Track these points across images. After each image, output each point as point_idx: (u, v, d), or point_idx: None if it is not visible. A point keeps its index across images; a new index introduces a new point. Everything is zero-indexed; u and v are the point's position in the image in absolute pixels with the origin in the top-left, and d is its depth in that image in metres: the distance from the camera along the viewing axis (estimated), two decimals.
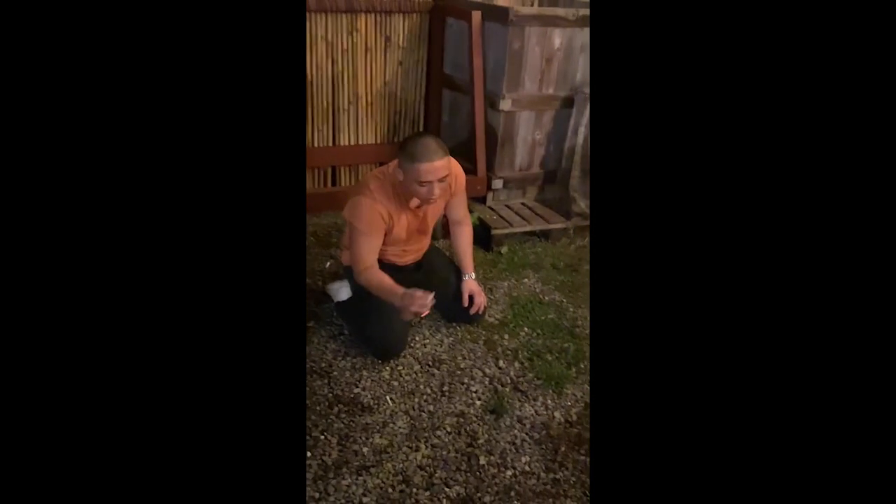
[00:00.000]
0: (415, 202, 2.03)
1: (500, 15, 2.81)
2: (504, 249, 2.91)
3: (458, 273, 2.30)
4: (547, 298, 2.56)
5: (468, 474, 1.68)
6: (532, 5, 3.60)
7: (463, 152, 3.14)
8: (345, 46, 3.14)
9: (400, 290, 1.94)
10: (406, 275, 2.24)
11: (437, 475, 1.66)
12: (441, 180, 1.91)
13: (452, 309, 2.29)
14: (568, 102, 3.03)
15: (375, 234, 2.01)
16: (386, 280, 2.01)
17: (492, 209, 3.09)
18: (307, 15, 2.98)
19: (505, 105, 2.93)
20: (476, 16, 2.86)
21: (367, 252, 2.03)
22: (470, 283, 2.25)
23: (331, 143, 3.31)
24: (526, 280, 2.69)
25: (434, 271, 2.30)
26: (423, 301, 1.88)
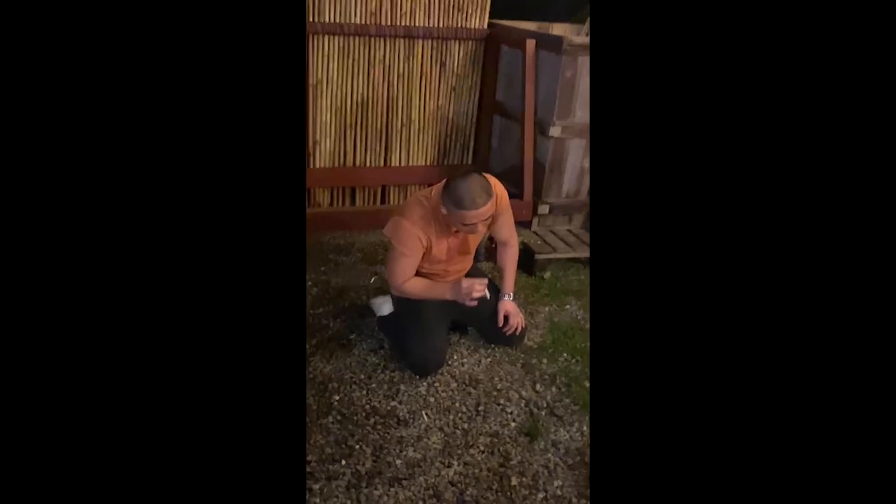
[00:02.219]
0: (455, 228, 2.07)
1: (554, 44, 2.86)
2: (547, 275, 2.91)
3: (498, 295, 2.31)
4: (588, 326, 2.54)
5: (499, 494, 1.67)
6: (585, 35, 3.64)
7: (511, 177, 3.18)
8: (401, 71, 3.24)
9: (446, 285, 1.99)
10: None
11: (468, 493, 1.67)
12: (484, 224, 1.95)
13: (492, 330, 2.30)
14: None
15: (412, 256, 2.05)
16: (427, 282, 2.06)
17: (537, 234, 3.11)
18: (366, 40, 3.10)
19: (555, 132, 2.96)
20: (530, 44, 2.92)
21: (403, 271, 2.06)
22: (507, 303, 2.25)
23: (382, 164, 3.40)
24: (568, 307, 2.68)
25: None
26: (480, 285, 1.92)
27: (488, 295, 1.99)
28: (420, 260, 2.07)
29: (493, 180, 2.07)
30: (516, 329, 2.25)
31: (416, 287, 2.08)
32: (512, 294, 2.28)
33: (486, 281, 1.96)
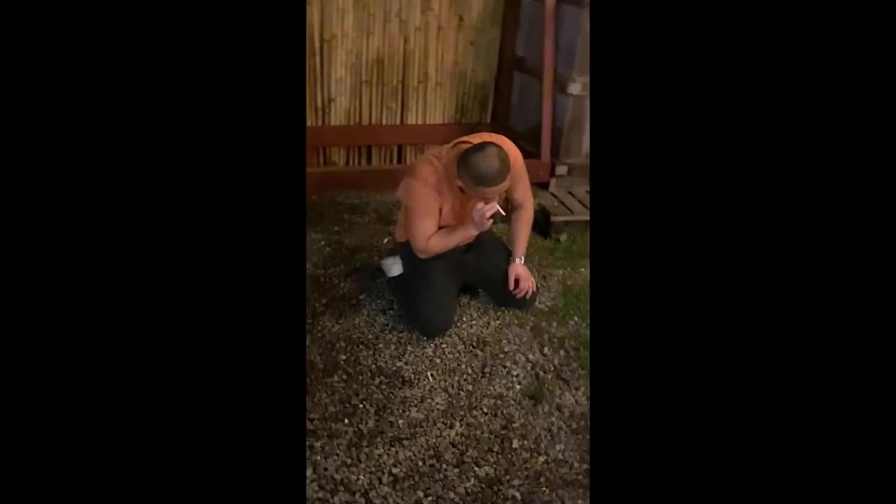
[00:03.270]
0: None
1: None
2: (563, 237, 2.86)
3: (510, 257, 2.28)
4: None
5: (499, 456, 1.68)
6: None
7: (531, 136, 3.10)
8: (418, 24, 3.15)
9: (467, 225, 2.01)
10: (456, 256, 2.24)
11: (468, 453, 1.67)
12: (500, 198, 1.96)
13: (502, 293, 2.28)
14: None
15: (430, 215, 2.04)
16: (447, 233, 2.06)
17: (554, 195, 3.04)
18: None
19: (575, 89, 2.86)
20: None
21: (425, 231, 2.05)
22: (517, 266, 2.22)
23: (398, 122, 3.35)
24: (582, 269, 2.64)
25: (485, 254, 2.29)
26: (491, 206, 1.91)
27: (502, 212, 1.98)
28: (438, 217, 2.05)
29: (508, 144, 2.02)
30: (526, 293, 2.22)
31: (440, 242, 2.06)
32: (523, 258, 2.25)
33: (495, 202, 1.94)
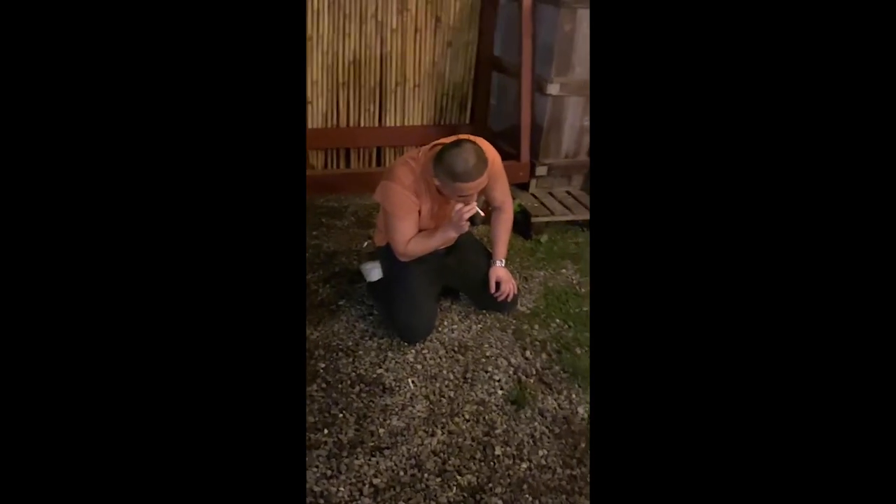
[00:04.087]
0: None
1: None
2: (544, 238, 2.85)
3: (490, 260, 2.26)
4: (583, 290, 2.49)
5: (482, 464, 1.65)
6: None
7: (510, 137, 3.08)
8: (394, 26, 3.12)
9: (446, 226, 1.99)
10: (436, 259, 2.22)
11: (449, 462, 1.65)
12: (478, 195, 1.92)
13: (483, 296, 2.26)
14: None
15: (409, 218, 2.01)
16: (426, 236, 2.03)
17: (534, 196, 3.03)
18: None
19: (553, 89, 2.85)
20: None
21: (404, 234, 2.02)
22: (498, 269, 2.20)
23: (377, 124, 3.31)
24: (564, 270, 2.63)
25: (465, 256, 2.27)
26: (470, 207, 1.89)
27: (481, 213, 1.94)
28: (416, 220, 2.03)
29: (485, 144, 2.00)
30: (508, 296, 2.20)
31: (419, 245, 2.04)
32: (504, 260, 2.23)
33: (473, 203, 1.91)
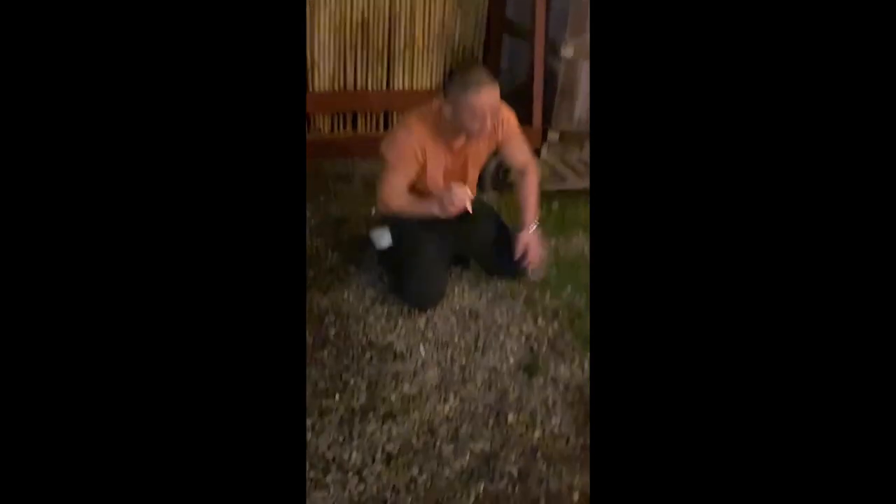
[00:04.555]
0: (459, 143, 1.95)
1: None
2: (555, 205, 2.80)
3: (502, 226, 2.22)
4: None
5: (495, 431, 1.64)
6: None
7: (521, 102, 3.01)
8: None
9: (431, 198, 1.89)
10: (447, 226, 2.18)
11: (462, 428, 1.64)
12: (493, 114, 1.84)
13: (494, 262, 2.23)
14: None
15: (405, 168, 1.92)
16: (413, 197, 1.95)
17: (546, 163, 2.97)
18: None
19: (567, 52, 2.77)
20: None
21: (390, 185, 1.94)
22: (527, 235, 2.09)
23: (384, 87, 3.23)
24: (575, 239, 2.59)
25: (476, 223, 2.21)
26: (461, 194, 1.82)
27: (470, 208, 1.86)
28: (413, 175, 1.94)
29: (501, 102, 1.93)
30: (532, 263, 2.10)
31: (400, 202, 1.96)
32: (535, 226, 2.12)
33: (466, 190, 1.84)
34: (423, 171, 1.95)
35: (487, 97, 1.79)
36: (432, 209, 1.89)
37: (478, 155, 2.08)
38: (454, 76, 1.83)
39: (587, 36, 2.77)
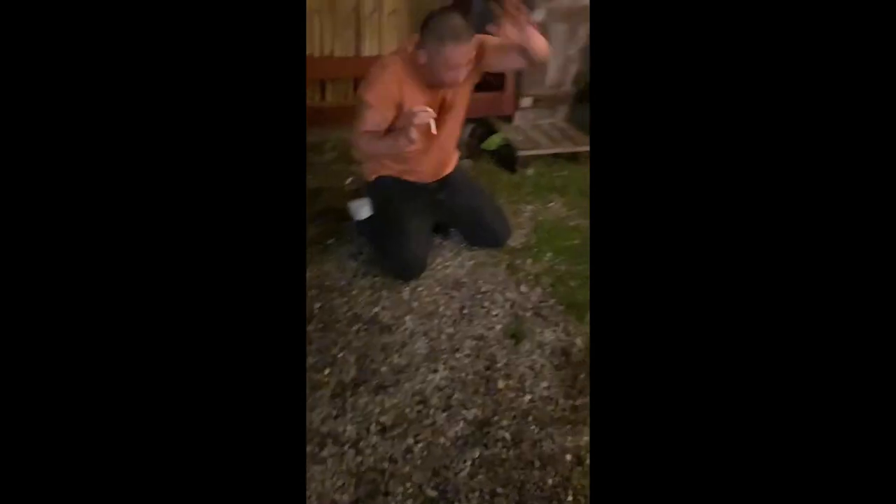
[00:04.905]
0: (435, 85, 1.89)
1: None
2: (530, 171, 2.81)
3: (482, 193, 2.23)
4: (573, 223, 2.48)
5: (486, 397, 1.67)
6: None
7: None
8: None
9: (399, 132, 1.79)
10: (427, 195, 2.17)
11: (454, 397, 1.66)
12: (468, 63, 1.80)
13: (475, 232, 2.23)
14: None
15: (378, 107, 1.85)
16: (379, 135, 1.88)
17: (519, 128, 2.96)
18: None
19: (538, 16, 2.74)
20: None
21: (364, 124, 1.87)
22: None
23: (353, 54, 3.15)
24: (551, 204, 2.61)
25: (456, 192, 2.22)
26: (423, 113, 1.73)
27: (434, 128, 1.77)
28: (390, 117, 1.87)
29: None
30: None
31: (367, 142, 1.89)
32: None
33: (426, 109, 1.75)
34: (399, 114, 1.87)
35: (464, 50, 1.75)
36: (398, 140, 1.78)
37: (457, 97, 2.00)
38: (431, 23, 1.75)
39: None
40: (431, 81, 1.87)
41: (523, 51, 1.80)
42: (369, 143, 1.91)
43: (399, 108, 1.88)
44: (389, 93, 1.85)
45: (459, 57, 1.75)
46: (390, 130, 1.89)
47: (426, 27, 1.76)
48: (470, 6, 3.18)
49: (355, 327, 1.87)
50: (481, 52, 1.88)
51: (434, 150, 2.07)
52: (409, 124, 1.74)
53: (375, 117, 1.87)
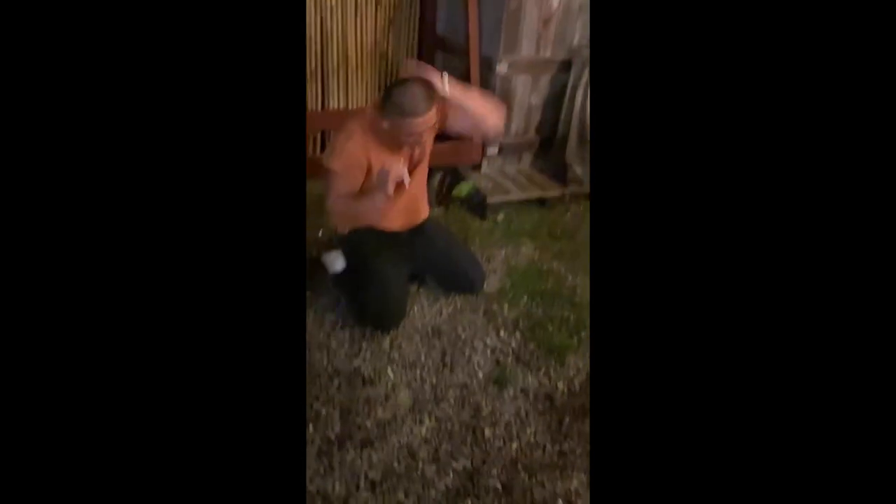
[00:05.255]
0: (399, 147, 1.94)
1: None
2: (500, 217, 2.86)
3: (454, 240, 2.27)
4: (545, 267, 2.52)
5: (474, 447, 1.65)
6: None
7: None
8: (333, 4, 3.00)
9: (372, 193, 1.82)
10: (402, 241, 2.18)
11: (442, 448, 1.64)
12: (430, 129, 1.85)
13: (451, 279, 2.25)
14: (565, 66, 2.94)
15: (351, 176, 1.90)
16: (355, 196, 1.90)
17: (487, 176, 3.03)
18: None
19: (502, 68, 2.84)
20: None
21: (337, 190, 1.90)
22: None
23: (319, 107, 3.20)
24: (523, 248, 2.65)
25: (431, 239, 2.24)
26: (396, 167, 1.74)
27: (407, 178, 1.78)
28: (358, 184, 1.91)
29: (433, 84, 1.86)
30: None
31: (344, 205, 1.91)
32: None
33: (400, 163, 1.78)
34: (368, 177, 1.91)
35: (425, 120, 1.79)
36: (375, 197, 1.82)
37: (422, 151, 2.05)
38: (392, 95, 1.78)
39: (520, 52, 2.86)
40: (394, 144, 1.92)
41: (476, 122, 1.92)
42: (346, 206, 1.93)
43: (368, 170, 1.91)
44: (356, 159, 1.89)
45: (420, 127, 1.80)
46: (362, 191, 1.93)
47: (388, 99, 1.79)
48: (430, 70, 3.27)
49: (336, 381, 1.84)
50: (442, 114, 1.94)
51: (405, 200, 2.10)
52: (384, 181, 1.76)
53: (346, 184, 1.91)
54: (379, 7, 3.10)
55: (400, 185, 1.80)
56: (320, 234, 2.64)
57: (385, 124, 1.83)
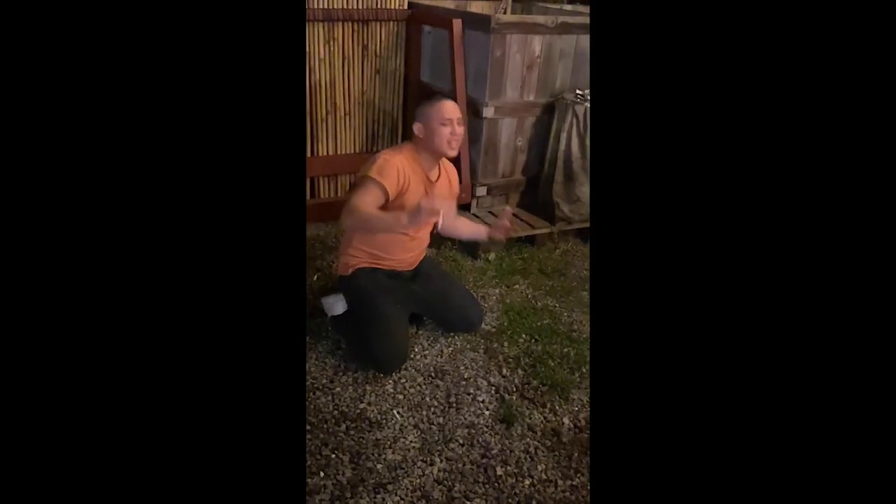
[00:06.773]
0: (434, 173, 2.12)
1: (482, 23, 2.81)
2: (492, 256, 2.90)
3: (451, 280, 2.30)
4: (539, 304, 2.56)
5: (486, 486, 1.65)
6: (504, 13, 3.62)
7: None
8: (322, 55, 3.09)
9: (400, 212, 1.84)
10: (402, 282, 2.21)
11: (456, 488, 1.63)
12: (458, 124, 2.02)
13: (450, 318, 2.27)
14: (548, 109, 3.05)
15: (385, 183, 1.93)
16: (379, 213, 1.92)
17: (476, 216, 3.08)
18: None
19: (488, 112, 2.93)
20: (457, 24, 2.86)
21: (363, 199, 1.91)
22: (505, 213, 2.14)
23: (309, 154, 3.25)
24: (517, 286, 2.69)
25: (430, 279, 2.27)
26: (432, 203, 1.73)
27: (440, 223, 1.85)
28: (390, 194, 1.95)
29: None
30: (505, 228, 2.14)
31: (365, 217, 1.89)
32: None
33: (440, 206, 1.76)
34: (403, 194, 2.00)
35: (452, 106, 2.03)
36: (400, 219, 1.80)
37: (444, 196, 2.16)
38: (422, 102, 2.07)
39: (505, 97, 2.96)
40: (432, 160, 2.08)
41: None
42: (368, 213, 1.90)
43: (403, 190, 2.00)
44: (396, 171, 1.98)
45: (450, 109, 2.01)
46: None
47: (420, 105, 2.07)
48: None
49: (343, 426, 1.83)
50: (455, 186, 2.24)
51: (417, 240, 2.16)
52: (419, 211, 1.73)
53: (377, 192, 1.94)
54: (366, 58, 3.20)
55: (428, 223, 1.91)
56: (315, 278, 2.65)
57: (419, 128, 2.04)
